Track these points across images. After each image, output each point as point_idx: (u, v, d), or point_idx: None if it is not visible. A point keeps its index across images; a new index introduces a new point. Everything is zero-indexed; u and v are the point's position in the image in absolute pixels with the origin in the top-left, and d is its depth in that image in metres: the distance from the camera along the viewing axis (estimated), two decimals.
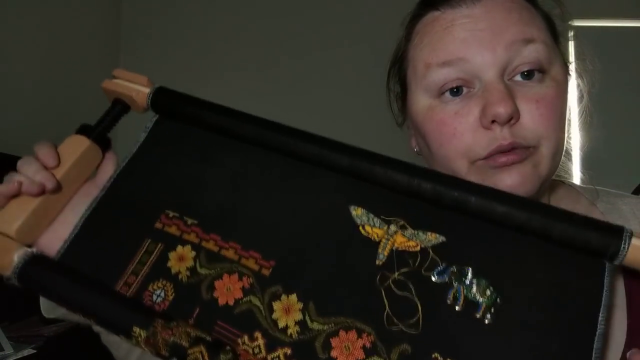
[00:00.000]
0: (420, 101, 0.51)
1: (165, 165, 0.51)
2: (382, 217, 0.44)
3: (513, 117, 0.46)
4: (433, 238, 0.43)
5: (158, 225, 0.48)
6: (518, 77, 0.48)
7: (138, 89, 0.53)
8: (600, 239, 0.39)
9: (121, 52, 2.21)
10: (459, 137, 0.48)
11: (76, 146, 0.51)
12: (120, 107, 0.54)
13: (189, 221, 0.48)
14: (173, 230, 0.47)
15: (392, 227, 0.44)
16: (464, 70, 0.48)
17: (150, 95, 0.52)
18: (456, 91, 0.48)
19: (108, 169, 0.53)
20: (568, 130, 0.51)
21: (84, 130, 0.52)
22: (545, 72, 0.48)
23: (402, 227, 0.44)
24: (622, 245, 0.38)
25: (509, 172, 0.47)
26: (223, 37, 2.18)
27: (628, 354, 0.43)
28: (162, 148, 0.52)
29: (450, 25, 0.49)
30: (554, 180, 0.56)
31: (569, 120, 0.53)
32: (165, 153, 0.52)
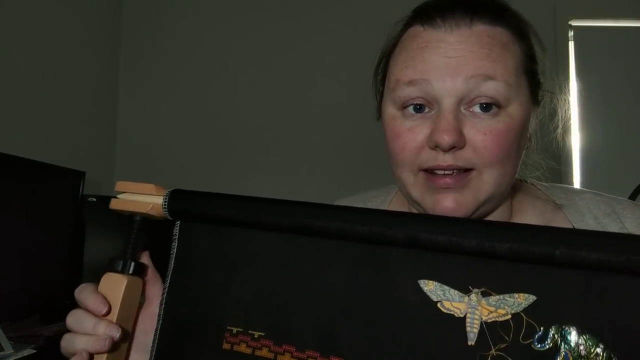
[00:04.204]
0: (388, 109, 0.55)
1: (208, 276, 0.48)
2: (458, 287, 0.40)
3: (455, 147, 0.49)
4: (522, 300, 0.39)
5: (226, 346, 0.45)
6: (476, 108, 0.50)
7: (151, 202, 0.48)
8: None
9: (121, 52, 2.18)
10: (407, 152, 0.52)
11: (117, 286, 0.47)
12: (138, 222, 0.49)
13: (256, 334, 0.45)
14: (243, 348, 0.45)
15: (474, 297, 0.40)
16: (425, 91, 0.51)
17: (166, 206, 0.48)
18: (419, 108, 0.52)
19: (156, 292, 0.50)
20: (519, 161, 0.54)
21: (115, 266, 0.48)
22: (501, 107, 0.50)
23: (485, 294, 0.40)
24: None
25: (446, 196, 0.51)
26: (223, 37, 2.14)
27: None
28: (196, 256, 0.48)
29: (424, 46, 0.52)
30: (516, 182, 0.59)
31: (528, 149, 0.57)
32: (202, 261, 0.48)
